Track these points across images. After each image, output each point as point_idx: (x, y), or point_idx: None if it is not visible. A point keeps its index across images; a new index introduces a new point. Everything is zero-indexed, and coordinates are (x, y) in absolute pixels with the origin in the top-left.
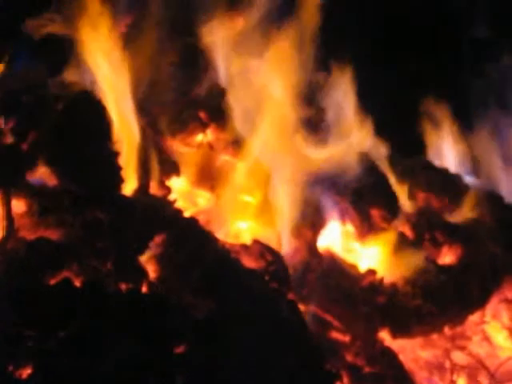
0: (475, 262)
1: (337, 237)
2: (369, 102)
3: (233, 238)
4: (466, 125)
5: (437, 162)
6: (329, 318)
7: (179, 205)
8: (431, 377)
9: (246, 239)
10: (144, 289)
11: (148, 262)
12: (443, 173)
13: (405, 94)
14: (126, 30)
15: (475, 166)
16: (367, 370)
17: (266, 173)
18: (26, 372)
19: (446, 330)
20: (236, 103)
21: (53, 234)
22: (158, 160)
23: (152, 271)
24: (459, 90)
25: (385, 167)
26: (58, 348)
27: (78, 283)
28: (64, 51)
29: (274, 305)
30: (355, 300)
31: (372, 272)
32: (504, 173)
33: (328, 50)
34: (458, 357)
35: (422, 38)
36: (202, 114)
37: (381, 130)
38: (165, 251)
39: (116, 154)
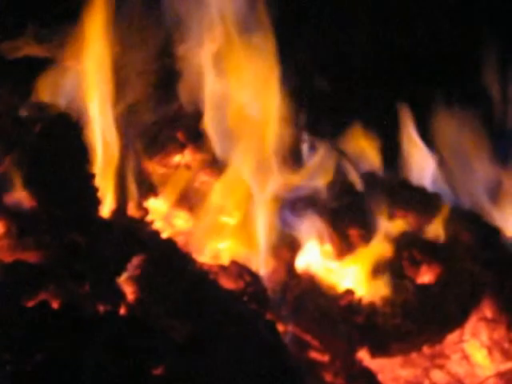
0: (454, 280)
1: (315, 257)
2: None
3: (211, 259)
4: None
5: (414, 180)
6: (307, 338)
7: (157, 226)
8: None
9: (225, 260)
10: (122, 311)
11: (126, 284)
12: (421, 191)
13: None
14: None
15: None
16: None
17: (244, 193)
18: None
19: (425, 348)
20: (214, 123)
21: (31, 257)
22: (136, 181)
23: (130, 293)
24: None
25: (363, 186)
26: (36, 371)
27: (55, 305)
28: (40, 73)
29: (253, 326)
30: (334, 320)
31: (350, 292)
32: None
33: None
34: (438, 376)
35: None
36: (180, 135)
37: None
38: (143, 273)
39: (93, 176)
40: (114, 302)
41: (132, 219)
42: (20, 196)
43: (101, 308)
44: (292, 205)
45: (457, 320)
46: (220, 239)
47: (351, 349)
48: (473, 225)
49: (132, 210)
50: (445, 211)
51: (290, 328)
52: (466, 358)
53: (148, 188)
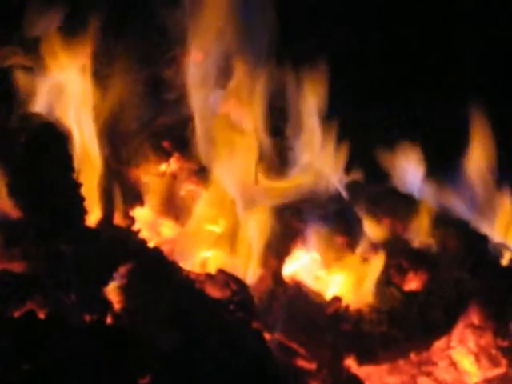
0: (441, 287)
1: (302, 265)
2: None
3: (198, 268)
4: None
5: (401, 188)
6: (294, 346)
7: (143, 235)
8: None
9: (211, 268)
10: (109, 320)
11: (112, 293)
12: (408, 198)
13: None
14: (89, 61)
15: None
16: None
17: (230, 201)
18: None
19: (413, 355)
20: (201, 132)
21: (17, 267)
22: (122, 190)
23: (116, 302)
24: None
25: (349, 194)
26: (23, 381)
27: (41, 315)
28: (26, 83)
29: (240, 334)
30: (321, 327)
31: (337, 299)
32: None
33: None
34: (425, 383)
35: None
36: (166, 144)
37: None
38: (129, 282)
39: (79, 185)
40: (101, 312)
41: (118, 228)
42: (5, 206)
43: (87, 317)
44: (279, 212)
45: (444, 327)
46: (206, 247)
47: (338, 356)
48: (459, 232)
49: (118, 219)
50: (432, 218)
51: (277, 336)
52: (453, 364)
53: (134, 197)
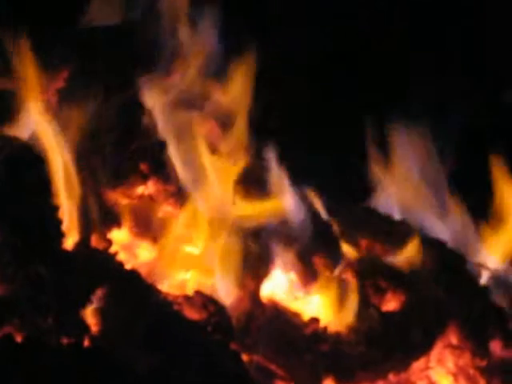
0: (419, 307)
1: (280, 286)
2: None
3: (176, 290)
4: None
5: (380, 209)
6: (273, 367)
7: (121, 257)
8: None
9: (189, 290)
10: (86, 343)
11: (90, 316)
12: (386, 219)
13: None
14: (64, 82)
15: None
16: None
17: (208, 223)
18: None
19: (391, 376)
20: (178, 154)
21: None
22: (99, 212)
23: (94, 325)
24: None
25: (327, 214)
26: None
27: (19, 338)
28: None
29: (218, 356)
30: (299, 348)
31: (315, 320)
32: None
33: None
34: None
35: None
36: (143, 166)
37: (323, 177)
38: (107, 304)
39: (56, 208)
40: (78, 335)
41: (96, 251)
42: None
43: (65, 340)
44: (257, 234)
45: (422, 347)
46: (184, 269)
47: (317, 377)
48: (438, 252)
49: (95, 242)
50: (411, 238)
51: (255, 357)
52: None
53: (111, 219)
